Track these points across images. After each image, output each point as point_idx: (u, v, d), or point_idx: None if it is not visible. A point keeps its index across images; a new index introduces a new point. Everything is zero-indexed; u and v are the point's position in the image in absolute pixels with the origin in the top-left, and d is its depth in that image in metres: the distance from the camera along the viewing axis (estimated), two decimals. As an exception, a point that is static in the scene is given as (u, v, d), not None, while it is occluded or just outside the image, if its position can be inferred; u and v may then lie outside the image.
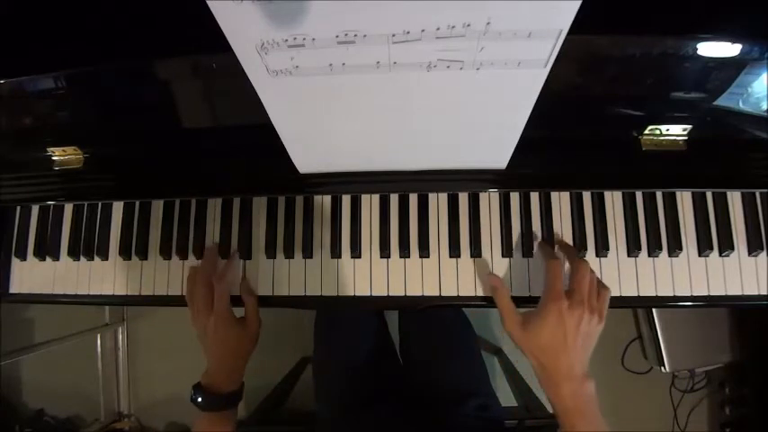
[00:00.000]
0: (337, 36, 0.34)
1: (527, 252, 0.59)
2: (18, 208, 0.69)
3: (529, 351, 0.52)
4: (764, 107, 0.50)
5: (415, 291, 0.60)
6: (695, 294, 0.58)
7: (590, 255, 0.59)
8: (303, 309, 0.62)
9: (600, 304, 0.51)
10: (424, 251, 0.60)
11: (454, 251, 0.60)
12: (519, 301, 0.56)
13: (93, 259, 0.67)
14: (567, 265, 0.55)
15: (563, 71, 0.41)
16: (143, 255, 0.65)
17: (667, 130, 0.54)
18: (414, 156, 0.54)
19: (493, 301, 0.56)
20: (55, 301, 0.67)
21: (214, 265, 0.61)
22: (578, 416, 0.48)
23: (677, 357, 1.23)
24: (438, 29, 0.34)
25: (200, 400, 0.56)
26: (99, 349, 1.51)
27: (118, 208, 0.67)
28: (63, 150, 0.61)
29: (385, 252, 0.61)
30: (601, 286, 0.52)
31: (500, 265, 0.59)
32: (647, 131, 0.54)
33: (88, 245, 0.67)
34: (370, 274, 0.61)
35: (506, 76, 0.39)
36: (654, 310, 1.22)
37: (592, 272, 0.52)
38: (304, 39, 0.35)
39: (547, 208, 0.60)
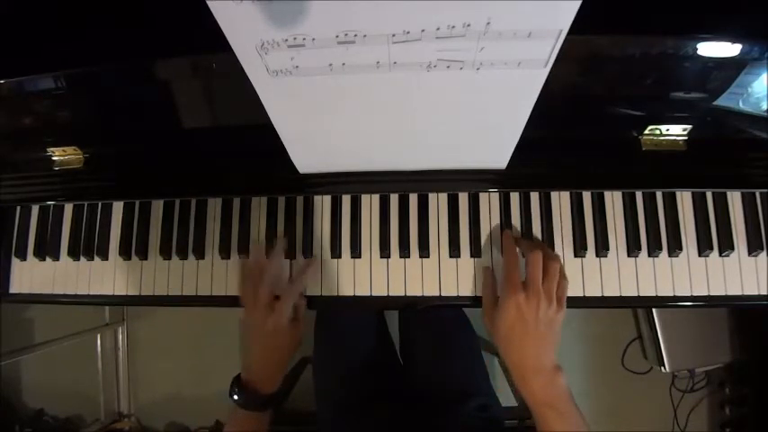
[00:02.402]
0: (337, 36, 0.34)
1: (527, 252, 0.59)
2: (18, 208, 0.69)
3: (498, 344, 0.53)
4: (764, 107, 0.50)
5: (415, 291, 0.60)
6: (695, 294, 0.58)
7: (590, 255, 0.59)
8: (303, 309, 0.62)
9: (559, 292, 0.52)
10: (424, 251, 0.60)
11: (454, 251, 0.60)
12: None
13: (93, 259, 0.67)
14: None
15: (563, 71, 0.41)
16: (143, 255, 0.65)
17: (667, 130, 0.54)
18: (414, 156, 0.54)
19: None
20: (55, 301, 0.67)
21: (281, 265, 0.60)
22: (551, 410, 0.49)
23: (677, 357, 1.23)
24: (438, 29, 0.34)
25: (237, 397, 0.56)
26: (99, 349, 1.51)
27: (118, 208, 0.67)
28: (63, 150, 0.61)
29: (385, 252, 0.61)
30: (561, 277, 0.53)
31: (500, 265, 0.59)
32: (647, 131, 0.54)
33: (88, 245, 0.67)
34: (370, 274, 0.61)
35: (506, 77, 0.39)
36: (654, 310, 1.22)
37: (553, 262, 0.52)
38: (304, 39, 0.35)
39: (547, 208, 0.60)
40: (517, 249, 0.57)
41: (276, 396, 0.58)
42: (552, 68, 0.37)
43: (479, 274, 0.59)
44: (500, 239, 0.60)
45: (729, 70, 0.47)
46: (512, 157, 0.52)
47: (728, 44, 0.43)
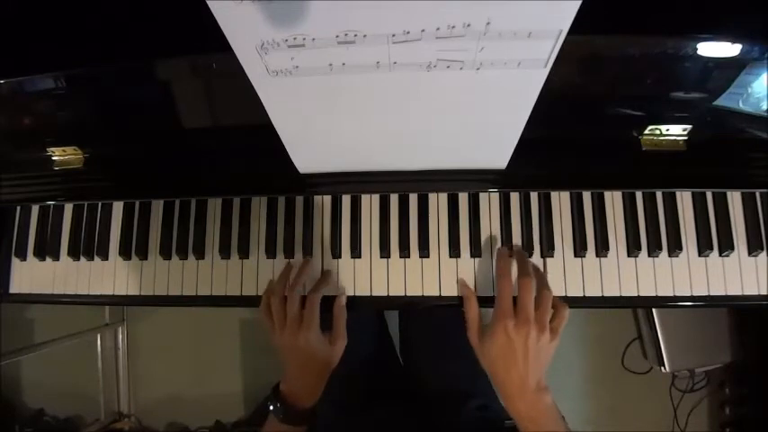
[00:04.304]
0: (337, 36, 0.34)
1: (527, 252, 0.59)
2: (18, 208, 0.69)
3: (483, 364, 0.53)
4: (764, 107, 0.50)
5: (415, 291, 0.60)
6: (695, 294, 0.58)
7: (590, 255, 0.59)
8: (303, 309, 0.62)
9: (555, 322, 0.51)
10: (424, 251, 0.60)
11: (454, 251, 0.60)
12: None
13: (93, 259, 0.67)
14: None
15: (563, 71, 0.41)
16: (143, 255, 0.65)
17: (667, 130, 0.54)
18: (414, 156, 0.54)
19: (492, 300, 0.57)
20: (55, 301, 0.67)
21: (304, 278, 0.58)
22: (535, 428, 0.49)
23: (677, 357, 1.23)
24: (438, 29, 0.34)
25: (275, 408, 0.55)
26: (99, 349, 1.51)
27: (118, 208, 0.67)
28: (63, 150, 0.61)
29: (385, 252, 0.61)
30: (558, 303, 0.52)
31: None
32: (647, 131, 0.54)
33: (88, 245, 0.67)
34: (370, 274, 0.61)
35: (506, 76, 0.39)
36: (654, 310, 1.22)
37: (545, 290, 0.52)
38: (304, 39, 0.35)
39: (547, 208, 0.60)
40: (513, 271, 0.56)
41: (312, 413, 0.57)
42: (552, 68, 0.37)
43: (479, 274, 0.59)
44: (500, 240, 0.60)
45: (729, 70, 0.47)
46: (512, 157, 0.52)
47: (728, 44, 0.43)
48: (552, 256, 0.59)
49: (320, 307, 0.57)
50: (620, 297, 0.58)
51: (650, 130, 0.54)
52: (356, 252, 0.61)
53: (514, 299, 0.52)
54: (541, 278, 0.55)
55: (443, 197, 0.62)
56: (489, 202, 0.61)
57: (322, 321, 0.56)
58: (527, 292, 0.51)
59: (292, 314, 0.54)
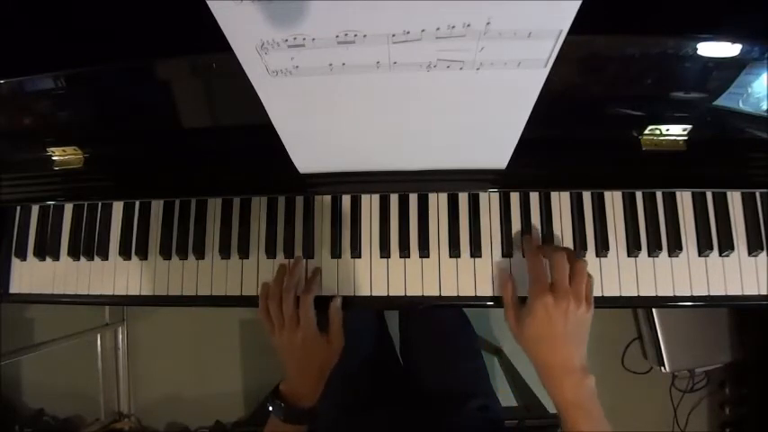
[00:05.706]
0: (337, 36, 0.34)
1: (527, 252, 0.59)
2: (18, 208, 0.70)
3: (525, 346, 0.52)
4: (764, 107, 0.50)
5: (415, 291, 0.60)
6: (695, 294, 0.58)
7: (590, 255, 0.59)
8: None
9: (586, 291, 0.51)
10: (424, 251, 0.60)
11: (454, 251, 0.60)
12: (520, 301, 0.56)
13: (93, 259, 0.67)
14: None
15: (563, 71, 0.41)
16: (143, 255, 0.65)
17: (667, 130, 0.54)
18: (414, 156, 0.54)
19: (492, 300, 0.57)
20: (55, 301, 0.67)
21: (298, 279, 0.59)
22: (580, 411, 0.49)
23: (677, 357, 1.23)
24: (438, 29, 0.34)
25: (276, 409, 0.56)
26: (99, 349, 1.51)
27: (118, 208, 0.67)
28: (63, 150, 0.61)
29: (385, 252, 0.61)
30: (587, 275, 0.52)
31: (500, 265, 0.59)
32: (647, 131, 0.54)
33: (88, 245, 0.67)
34: (370, 275, 0.61)
35: (506, 77, 0.39)
36: (654, 310, 1.22)
37: (579, 261, 0.51)
38: (304, 39, 0.35)
39: (547, 208, 0.60)
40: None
41: (313, 412, 0.58)
42: (552, 68, 0.37)
43: (480, 273, 0.59)
44: (500, 239, 0.60)
45: (729, 70, 0.47)
46: (512, 157, 0.52)
47: (728, 44, 0.43)
48: (552, 256, 0.59)
49: (319, 308, 0.58)
50: (620, 297, 0.58)
51: (650, 130, 0.54)
52: (356, 252, 0.61)
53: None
54: (571, 252, 0.54)
55: (443, 197, 0.62)
56: (489, 202, 0.61)
57: (320, 322, 0.58)
58: (561, 267, 0.50)
59: (288, 314, 0.56)
